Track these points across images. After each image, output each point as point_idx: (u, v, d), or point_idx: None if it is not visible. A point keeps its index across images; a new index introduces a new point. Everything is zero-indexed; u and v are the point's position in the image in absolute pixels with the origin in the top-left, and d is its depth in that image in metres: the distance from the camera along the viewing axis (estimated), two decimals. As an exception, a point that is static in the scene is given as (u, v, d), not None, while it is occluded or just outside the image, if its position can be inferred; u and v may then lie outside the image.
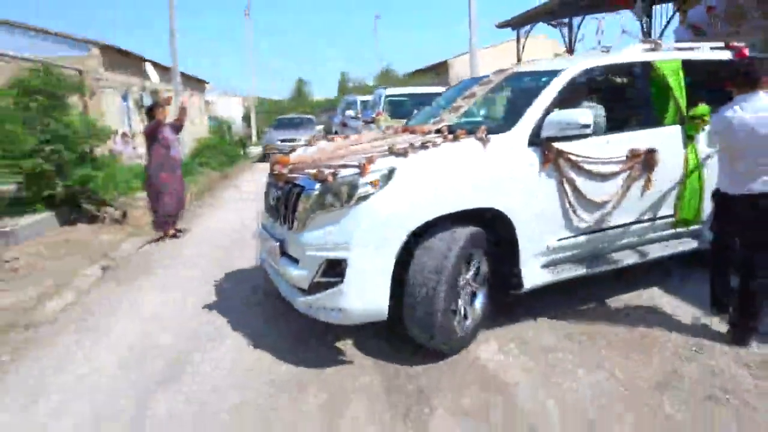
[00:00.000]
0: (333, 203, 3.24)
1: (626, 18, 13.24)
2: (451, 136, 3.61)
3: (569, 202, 3.78)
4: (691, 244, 4.41)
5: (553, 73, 3.98)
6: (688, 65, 4.30)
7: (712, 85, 4.04)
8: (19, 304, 4.59)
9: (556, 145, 3.64)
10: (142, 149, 15.02)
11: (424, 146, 3.44)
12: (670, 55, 4.38)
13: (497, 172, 3.54)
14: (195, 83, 26.63)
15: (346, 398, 3.06)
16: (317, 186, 3.30)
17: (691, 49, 4.79)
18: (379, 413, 2.91)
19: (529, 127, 3.68)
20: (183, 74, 17.10)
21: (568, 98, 3.90)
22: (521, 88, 4.48)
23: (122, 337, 4.02)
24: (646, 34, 10.12)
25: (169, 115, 7.48)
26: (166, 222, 7.07)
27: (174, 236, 7.12)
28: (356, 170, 3.24)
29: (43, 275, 5.31)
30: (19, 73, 7.29)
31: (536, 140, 3.65)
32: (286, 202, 3.59)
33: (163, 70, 19.35)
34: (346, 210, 3.20)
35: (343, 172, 3.28)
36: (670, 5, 10.43)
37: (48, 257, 5.89)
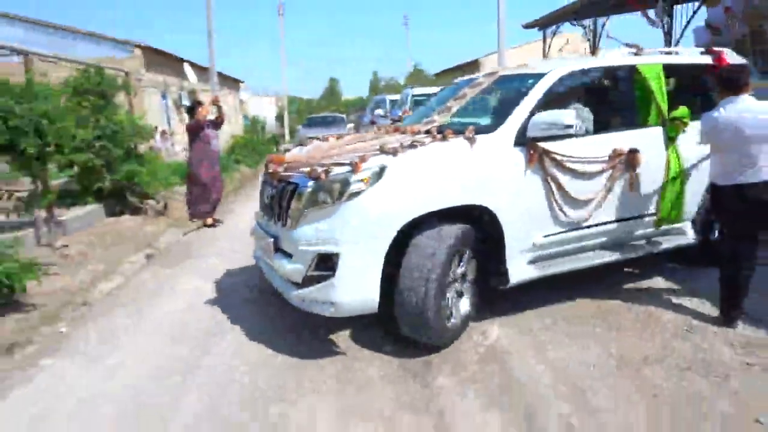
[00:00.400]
0: (325, 200, 3.35)
1: (610, 23, 13.26)
2: (439, 136, 3.73)
3: (555, 200, 3.91)
4: (674, 242, 4.57)
5: (539, 76, 4.12)
6: (669, 69, 4.47)
7: (693, 88, 4.31)
8: (72, 286, 5.13)
9: (542, 144, 3.78)
10: (179, 147, 15.73)
11: (413, 145, 3.58)
12: (652, 59, 4.54)
13: (484, 171, 3.66)
14: (230, 82, 27.45)
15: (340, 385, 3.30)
16: (310, 183, 3.42)
17: (673, 53, 4.94)
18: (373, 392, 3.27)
19: (516, 127, 3.80)
20: (219, 74, 17.74)
21: (555, 100, 4.05)
22: (509, 90, 4.59)
23: (161, 318, 4.53)
24: (667, 34, 10.22)
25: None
26: (204, 213, 7.65)
27: (212, 226, 7.71)
28: (348, 168, 3.37)
29: (93, 261, 5.85)
30: (70, 74, 7.90)
31: (522, 140, 3.78)
32: (280, 200, 3.70)
33: (200, 70, 20.04)
34: (338, 206, 3.32)
35: (336, 170, 3.41)
36: (690, 5, 10.46)
37: (97, 246, 6.44)
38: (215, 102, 8.18)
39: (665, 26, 10.15)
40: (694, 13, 10.08)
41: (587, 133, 4.13)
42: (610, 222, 4.26)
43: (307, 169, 3.53)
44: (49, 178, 6.70)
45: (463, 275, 3.74)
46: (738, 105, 3.61)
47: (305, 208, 3.42)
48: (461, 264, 3.68)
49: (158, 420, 2.99)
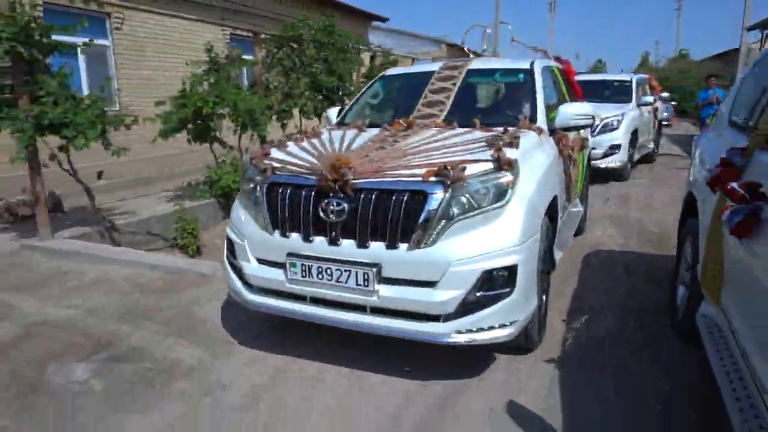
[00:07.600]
0: (474, 205, 2.73)
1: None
2: (511, 129, 3.44)
3: (568, 184, 4.11)
4: (580, 212, 5.25)
5: (528, 71, 4.29)
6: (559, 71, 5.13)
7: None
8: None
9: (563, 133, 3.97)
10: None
11: (515, 137, 3.20)
12: (553, 63, 5.22)
13: (552, 160, 3.60)
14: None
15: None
16: (443, 189, 2.70)
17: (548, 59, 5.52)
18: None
19: (544, 118, 3.88)
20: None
21: None
22: (496, 83, 4.64)
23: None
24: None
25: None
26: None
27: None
28: (488, 166, 2.81)
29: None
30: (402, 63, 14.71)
31: (550, 130, 3.87)
32: (374, 215, 2.77)
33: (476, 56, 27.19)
34: (499, 209, 2.75)
35: (473, 168, 2.79)
36: None
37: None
38: None
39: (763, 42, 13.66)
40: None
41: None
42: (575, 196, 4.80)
43: (423, 171, 2.77)
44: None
45: None
46: None
47: (450, 219, 2.70)
48: None
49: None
